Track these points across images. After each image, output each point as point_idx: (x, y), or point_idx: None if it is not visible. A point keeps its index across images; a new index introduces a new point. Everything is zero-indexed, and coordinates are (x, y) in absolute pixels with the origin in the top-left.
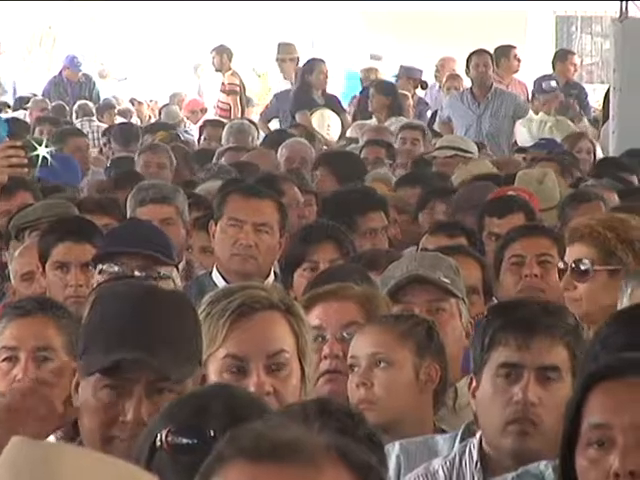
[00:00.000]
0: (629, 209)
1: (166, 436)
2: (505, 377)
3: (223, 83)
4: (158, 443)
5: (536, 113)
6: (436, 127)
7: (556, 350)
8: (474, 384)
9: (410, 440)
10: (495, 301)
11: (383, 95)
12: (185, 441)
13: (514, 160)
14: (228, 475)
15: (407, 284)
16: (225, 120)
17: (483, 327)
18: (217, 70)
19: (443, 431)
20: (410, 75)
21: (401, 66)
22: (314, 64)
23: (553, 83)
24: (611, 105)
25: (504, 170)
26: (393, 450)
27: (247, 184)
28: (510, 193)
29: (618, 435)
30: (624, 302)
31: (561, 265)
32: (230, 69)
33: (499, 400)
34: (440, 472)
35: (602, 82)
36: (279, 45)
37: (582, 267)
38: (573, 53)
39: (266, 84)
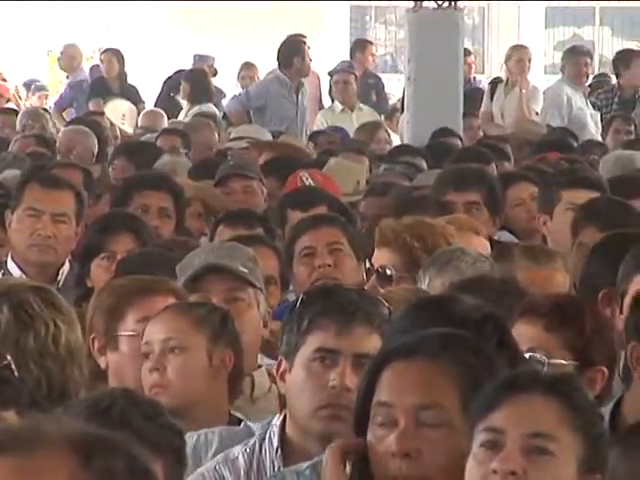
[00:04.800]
0: (417, 203)
1: None
2: (321, 361)
3: None
4: None
5: (333, 101)
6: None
7: (373, 338)
8: (284, 367)
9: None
10: (293, 289)
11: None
12: None
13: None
14: None
15: (205, 273)
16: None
17: (300, 310)
18: None
19: (239, 420)
20: (205, 63)
21: (195, 55)
22: (112, 53)
23: (347, 64)
24: (406, 95)
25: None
26: None
27: (47, 174)
28: (310, 184)
29: (400, 415)
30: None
31: (368, 266)
32: None
33: (313, 384)
34: (240, 459)
35: (396, 72)
36: None
37: (387, 272)
38: (371, 43)
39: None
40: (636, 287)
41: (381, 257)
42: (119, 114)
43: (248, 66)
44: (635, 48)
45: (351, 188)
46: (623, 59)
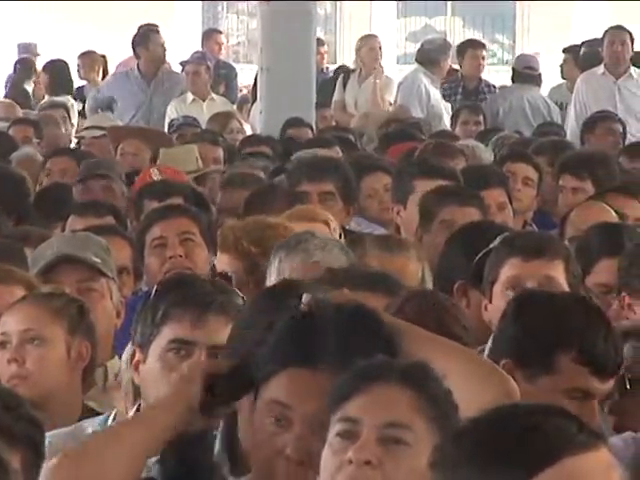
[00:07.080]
0: (270, 194)
1: None
2: (176, 352)
3: None
4: None
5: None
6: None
7: (228, 329)
8: (138, 357)
9: (57, 432)
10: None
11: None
12: None
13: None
14: None
15: (57, 264)
16: None
17: (154, 301)
18: None
19: (92, 410)
20: (29, 51)
21: (19, 44)
22: None
23: (198, 55)
24: (258, 85)
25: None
26: None
27: None
28: (166, 178)
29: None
30: (272, 273)
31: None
32: None
33: (168, 375)
34: None
35: (248, 62)
36: None
37: (229, 275)
38: (219, 32)
39: None
40: (506, 274)
41: (222, 262)
42: None
43: (86, 55)
44: (473, 38)
45: (195, 165)
46: (462, 49)
